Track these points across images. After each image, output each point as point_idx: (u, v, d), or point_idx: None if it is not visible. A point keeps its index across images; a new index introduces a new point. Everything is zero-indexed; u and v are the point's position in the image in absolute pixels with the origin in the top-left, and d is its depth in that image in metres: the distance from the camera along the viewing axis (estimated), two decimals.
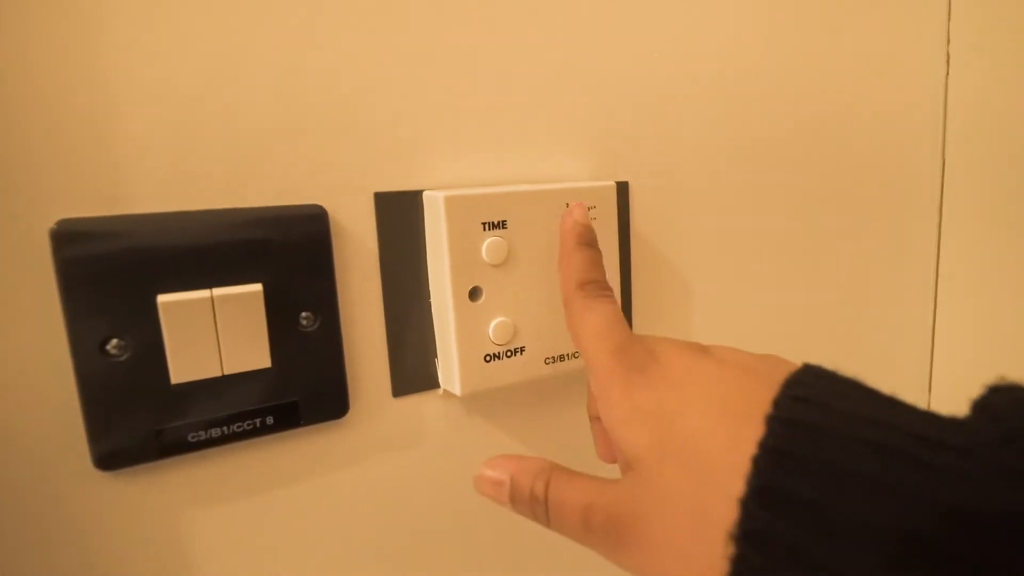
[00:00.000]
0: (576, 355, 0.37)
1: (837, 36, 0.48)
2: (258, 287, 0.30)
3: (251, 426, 0.31)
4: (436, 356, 0.36)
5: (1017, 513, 0.15)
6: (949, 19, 0.51)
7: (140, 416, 0.29)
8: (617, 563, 0.23)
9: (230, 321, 0.29)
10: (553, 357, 0.37)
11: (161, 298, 0.28)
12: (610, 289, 0.30)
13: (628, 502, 0.22)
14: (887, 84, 0.50)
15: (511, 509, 0.26)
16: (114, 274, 0.28)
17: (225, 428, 0.30)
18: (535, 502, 0.25)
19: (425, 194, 0.34)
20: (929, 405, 0.55)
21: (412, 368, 0.36)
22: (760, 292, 0.48)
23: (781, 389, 0.20)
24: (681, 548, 0.19)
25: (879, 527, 0.16)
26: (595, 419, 0.33)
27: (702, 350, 0.26)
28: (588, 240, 0.32)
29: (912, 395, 0.54)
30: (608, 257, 0.38)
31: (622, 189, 0.41)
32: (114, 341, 0.28)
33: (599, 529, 0.23)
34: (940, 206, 0.54)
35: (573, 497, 0.24)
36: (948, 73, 0.52)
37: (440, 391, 0.36)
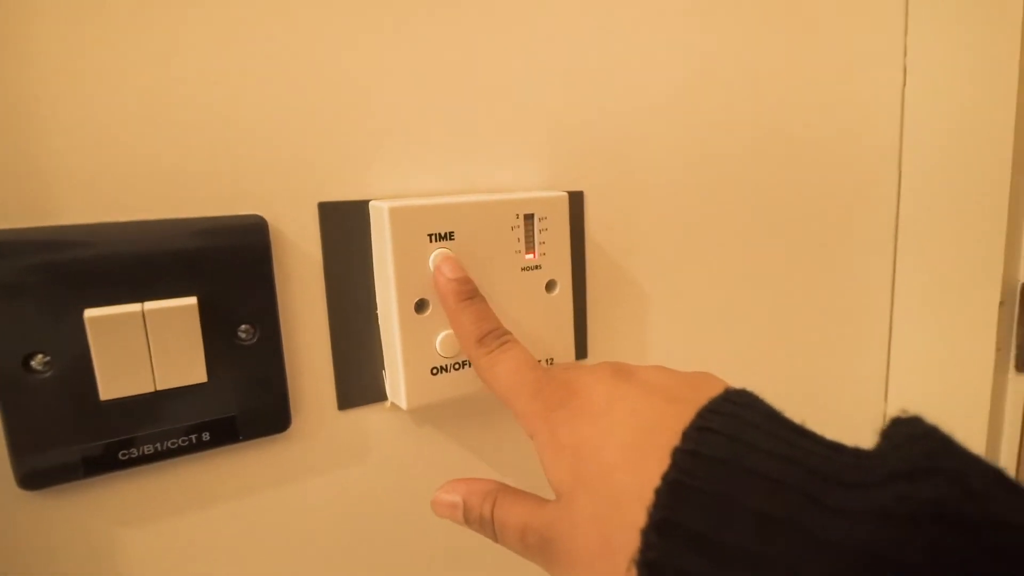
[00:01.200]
0: None
1: (795, 49, 0.48)
2: (192, 300, 0.29)
3: (186, 442, 0.30)
4: (383, 368, 0.35)
5: (880, 552, 0.16)
6: (906, 33, 0.52)
7: (67, 433, 0.28)
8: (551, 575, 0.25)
9: (163, 335, 0.29)
10: None
11: (88, 312, 0.27)
12: (508, 332, 0.31)
13: (553, 526, 0.23)
14: (844, 99, 0.51)
15: (466, 527, 0.28)
16: (39, 287, 0.27)
17: (158, 445, 0.30)
18: (483, 522, 0.27)
19: (371, 204, 0.33)
20: (885, 413, 0.55)
21: (358, 380, 0.35)
22: (715, 302, 0.48)
23: (693, 419, 0.21)
24: (595, 570, 0.21)
25: (765, 561, 0.16)
26: None
27: (625, 375, 0.26)
28: (468, 293, 0.32)
29: (869, 407, 0.54)
30: (559, 267, 0.38)
31: (577, 199, 0.40)
32: (39, 357, 0.27)
33: (533, 547, 0.25)
34: (896, 215, 0.54)
35: (513, 518, 0.26)
36: (904, 85, 0.52)
37: (387, 404, 0.36)
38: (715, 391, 0.23)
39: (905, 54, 0.52)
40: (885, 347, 0.56)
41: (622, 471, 0.21)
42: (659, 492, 0.19)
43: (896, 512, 0.16)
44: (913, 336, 0.54)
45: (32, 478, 0.28)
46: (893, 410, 0.57)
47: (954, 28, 0.50)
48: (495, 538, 0.27)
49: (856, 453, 0.19)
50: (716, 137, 0.45)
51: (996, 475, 0.17)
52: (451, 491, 0.29)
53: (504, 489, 0.27)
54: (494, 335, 0.30)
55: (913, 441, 0.18)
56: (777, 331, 0.51)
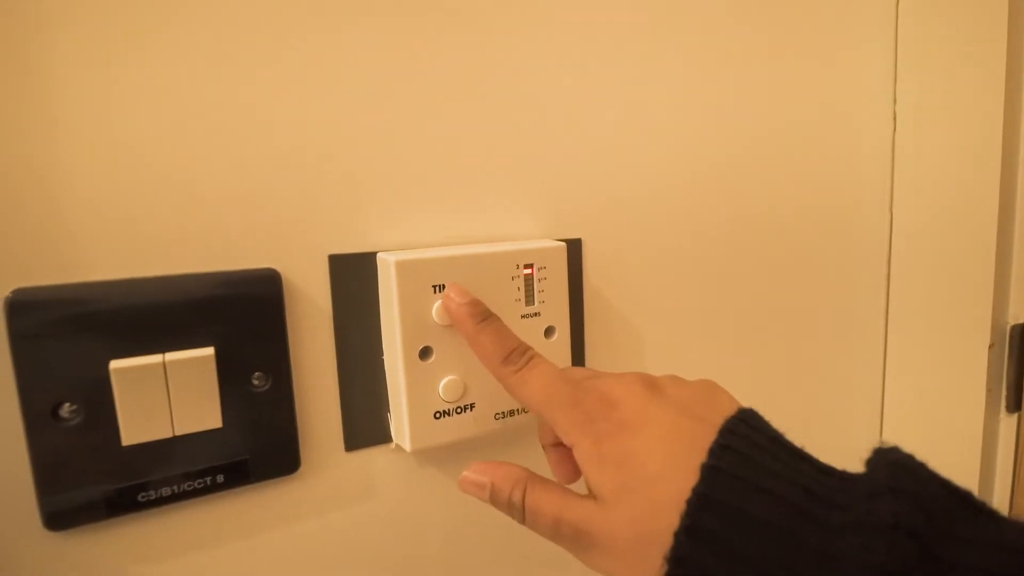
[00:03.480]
0: (525, 410, 0.39)
1: (784, 102, 0.50)
2: (210, 351, 0.31)
3: (201, 484, 0.32)
4: (388, 411, 0.37)
5: (852, 556, 0.20)
6: (895, 81, 0.54)
7: (90, 477, 0.30)
8: (582, 561, 0.27)
9: (182, 384, 0.30)
10: (503, 412, 0.38)
11: (113, 364, 0.29)
12: (530, 348, 0.32)
13: (591, 521, 0.26)
14: (836, 150, 0.52)
15: (491, 504, 0.31)
16: (68, 341, 0.29)
17: (175, 487, 0.31)
18: (512, 507, 0.29)
19: (378, 256, 0.35)
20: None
21: (364, 423, 0.37)
22: (709, 347, 0.49)
23: (715, 438, 0.25)
24: (631, 563, 0.25)
25: (767, 561, 0.21)
26: (549, 447, 0.34)
27: (653, 389, 0.29)
28: (482, 314, 0.33)
29: (865, 444, 0.55)
30: (558, 312, 0.39)
31: (575, 246, 0.42)
32: (66, 405, 0.29)
33: (567, 537, 0.27)
34: (888, 261, 0.56)
35: (546, 508, 0.28)
36: (895, 132, 0.54)
37: (392, 446, 0.37)
38: (729, 409, 0.27)
39: (895, 101, 0.54)
40: (880, 388, 0.57)
41: (663, 482, 0.24)
42: (690, 502, 0.23)
43: (865, 524, 0.21)
44: (906, 378, 0.55)
45: (57, 519, 0.29)
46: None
47: (942, 76, 0.52)
48: (523, 521, 0.29)
49: (842, 476, 0.24)
50: (707, 188, 0.47)
51: (953, 495, 0.22)
52: (480, 472, 0.30)
53: (533, 477, 0.30)
54: (518, 352, 0.31)
55: (888, 467, 0.23)
56: (772, 376, 0.53)
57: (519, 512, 0.29)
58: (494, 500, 0.30)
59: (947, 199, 0.52)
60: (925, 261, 0.53)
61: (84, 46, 0.28)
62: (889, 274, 0.56)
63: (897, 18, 0.52)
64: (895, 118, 0.54)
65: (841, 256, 0.54)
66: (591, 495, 0.27)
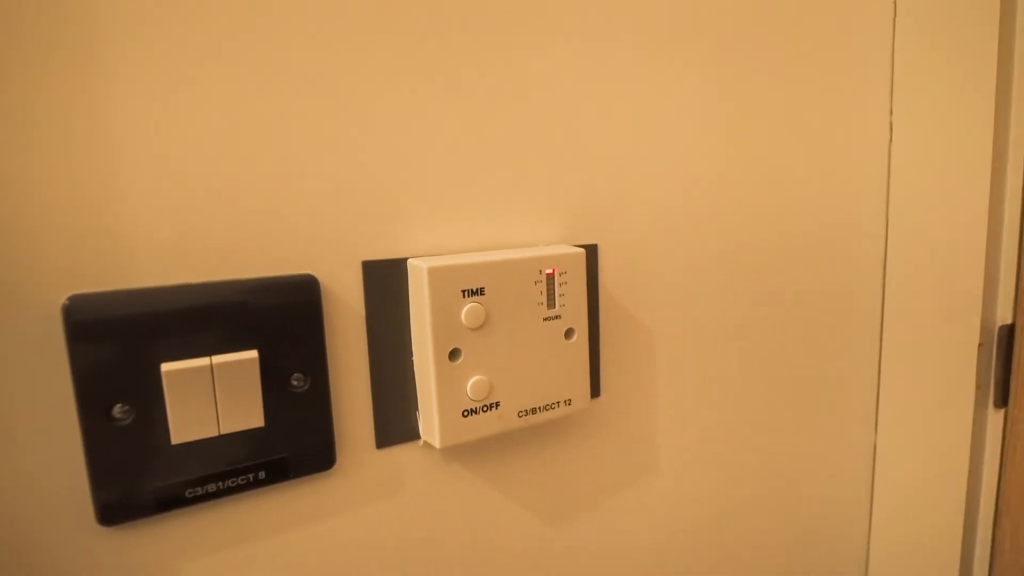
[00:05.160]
0: (547, 407, 0.40)
1: (785, 119, 0.52)
2: (254, 353, 0.32)
3: (244, 481, 0.33)
4: (417, 410, 0.39)
5: None
6: (891, 97, 0.56)
7: (141, 474, 0.31)
8: None
9: (227, 385, 0.32)
10: (526, 410, 0.40)
11: (165, 367, 0.30)
12: None
13: None
14: (833, 159, 0.55)
15: None
16: (121, 344, 0.30)
17: (220, 483, 0.33)
18: None
19: (409, 263, 0.37)
20: (875, 445, 0.59)
21: (395, 421, 0.38)
22: (715, 347, 0.51)
23: None
24: None
25: None
26: None
27: None
28: None
29: (860, 438, 0.57)
30: (578, 314, 0.41)
31: (591, 251, 0.44)
32: (119, 406, 0.30)
33: None
34: (884, 263, 0.58)
35: None
36: (891, 142, 0.56)
37: (420, 443, 0.39)
38: None
39: (891, 112, 0.56)
40: (875, 384, 0.59)
41: None
42: None
43: None
44: (901, 375, 0.58)
45: (109, 515, 0.31)
46: (883, 443, 0.60)
47: (935, 89, 0.54)
48: None
49: None
50: (715, 197, 0.49)
51: None
52: None
53: None
54: None
55: None
56: (774, 375, 0.55)
57: None
58: None
59: (940, 206, 0.54)
60: (919, 265, 0.56)
61: (141, 78, 0.30)
62: (885, 277, 0.58)
63: (894, 38, 0.55)
64: (891, 128, 0.56)
65: (840, 260, 0.56)
66: None
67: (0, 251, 0.28)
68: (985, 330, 0.53)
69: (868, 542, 0.60)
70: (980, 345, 0.53)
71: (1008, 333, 0.53)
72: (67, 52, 0.28)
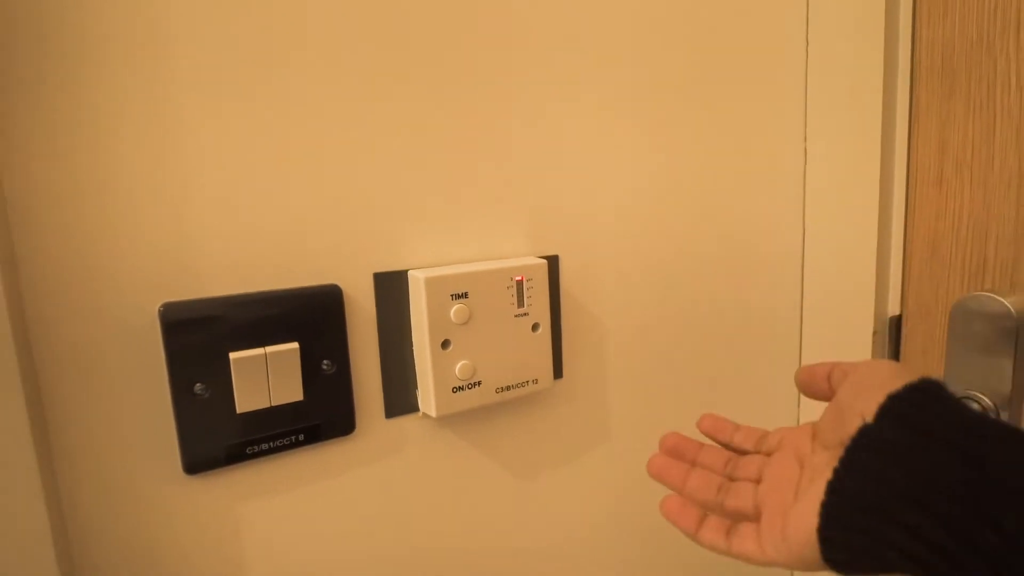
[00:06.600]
0: (519, 385, 0.51)
1: (714, 148, 0.63)
2: (295, 345, 0.43)
3: (288, 441, 0.44)
4: (417, 388, 0.50)
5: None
6: (805, 125, 0.68)
7: (215, 435, 0.42)
8: None
9: (277, 368, 0.43)
10: (502, 387, 0.51)
11: (232, 355, 0.41)
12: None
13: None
14: (755, 176, 0.66)
15: None
16: (201, 338, 0.40)
17: (271, 443, 0.43)
18: None
19: (410, 274, 0.48)
20: (798, 417, 0.71)
21: (399, 397, 0.49)
22: (658, 339, 0.63)
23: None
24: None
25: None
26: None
27: None
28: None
29: (785, 409, 0.69)
30: (542, 312, 0.52)
31: (553, 261, 0.55)
32: (198, 384, 0.41)
33: None
34: (802, 257, 0.70)
35: None
36: (805, 164, 0.68)
37: (420, 414, 0.50)
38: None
39: (805, 139, 0.68)
40: (796, 361, 0.71)
41: None
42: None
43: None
44: (814, 357, 0.70)
45: (193, 466, 0.41)
46: (805, 413, 0.72)
47: (839, 125, 0.66)
48: None
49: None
50: (655, 217, 0.60)
51: None
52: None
53: None
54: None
55: None
56: (707, 353, 0.67)
57: None
58: None
59: (842, 216, 0.66)
60: (826, 266, 0.68)
61: (215, 129, 0.40)
62: (803, 278, 0.70)
63: (806, 80, 0.66)
64: (805, 153, 0.68)
65: (765, 264, 0.68)
66: None
67: (118, 272, 0.39)
68: (879, 319, 0.65)
69: None
70: (875, 333, 0.64)
71: (896, 322, 0.65)
72: (158, 120, 0.39)
